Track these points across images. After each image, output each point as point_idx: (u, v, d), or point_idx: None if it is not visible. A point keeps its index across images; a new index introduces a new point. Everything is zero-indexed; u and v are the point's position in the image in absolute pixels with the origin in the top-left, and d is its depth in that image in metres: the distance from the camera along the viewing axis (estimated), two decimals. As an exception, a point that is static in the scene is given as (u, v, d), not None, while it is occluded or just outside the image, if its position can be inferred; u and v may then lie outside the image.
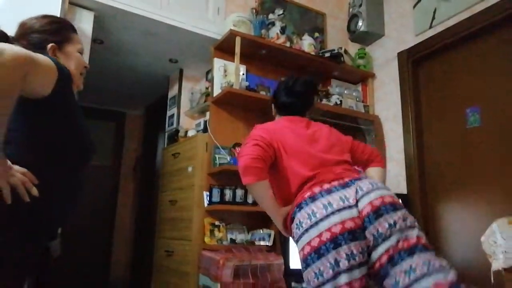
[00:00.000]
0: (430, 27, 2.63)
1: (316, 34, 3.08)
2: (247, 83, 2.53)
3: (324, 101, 2.80)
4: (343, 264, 1.11)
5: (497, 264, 1.35)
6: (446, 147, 2.50)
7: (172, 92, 3.55)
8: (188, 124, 3.18)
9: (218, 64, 2.61)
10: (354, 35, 3.12)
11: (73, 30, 1.30)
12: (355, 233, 1.15)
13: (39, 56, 0.96)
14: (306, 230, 1.21)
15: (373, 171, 1.62)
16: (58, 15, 1.99)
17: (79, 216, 3.85)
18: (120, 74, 3.62)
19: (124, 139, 4.78)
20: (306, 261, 1.19)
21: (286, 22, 2.95)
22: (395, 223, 1.16)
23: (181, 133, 3.02)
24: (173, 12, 2.58)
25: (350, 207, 1.20)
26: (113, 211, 4.53)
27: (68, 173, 1.14)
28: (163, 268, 2.70)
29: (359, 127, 2.88)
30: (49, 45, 1.18)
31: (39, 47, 1.15)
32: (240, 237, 2.34)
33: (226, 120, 2.57)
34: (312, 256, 1.16)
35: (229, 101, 2.54)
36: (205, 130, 2.66)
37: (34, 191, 0.97)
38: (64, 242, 2.61)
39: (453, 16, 2.50)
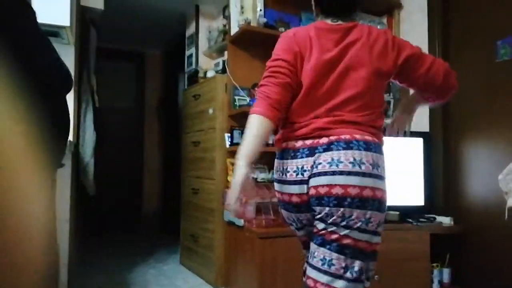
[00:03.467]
0: None
1: (339, -39, 2.85)
2: (265, 20, 2.43)
3: (346, 35, 2.68)
4: (295, 224, 1.26)
5: (512, 201, 1.37)
6: (472, 83, 2.39)
7: (190, 30, 3.46)
8: (207, 64, 3.15)
9: (235, -1, 2.50)
10: (381, -40, 2.86)
11: None
12: (300, 207, 1.18)
13: None
14: (277, 181, 1.25)
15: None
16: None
17: (110, 156, 4.08)
18: (136, 12, 3.55)
19: (145, 80, 4.81)
20: (279, 202, 1.28)
21: (306, -51, 2.73)
22: (329, 215, 1.09)
23: (201, 74, 3.01)
24: None
25: (301, 181, 1.15)
26: (141, 151, 4.72)
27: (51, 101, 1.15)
28: (191, 204, 2.87)
29: (382, 62, 2.77)
30: None
31: None
32: (261, 176, 2.42)
33: (245, 60, 2.53)
34: (280, 203, 1.27)
35: (247, 40, 2.47)
36: (224, 70, 2.64)
37: None
38: (98, 181, 2.80)
39: None
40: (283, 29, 2.47)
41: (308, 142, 1.15)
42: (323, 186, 1.09)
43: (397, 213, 2.32)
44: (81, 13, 2.40)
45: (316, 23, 1.27)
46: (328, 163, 1.09)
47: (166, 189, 4.58)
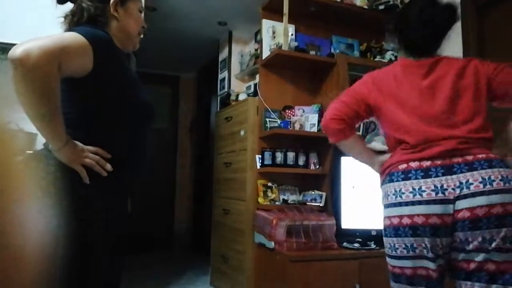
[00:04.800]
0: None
1: (370, -15, 2.88)
2: (296, 43, 2.48)
3: (378, 57, 2.68)
4: (419, 251, 1.10)
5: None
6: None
7: (223, 55, 3.58)
8: (239, 87, 3.23)
9: (267, 25, 2.57)
10: (412, -17, 2.87)
11: None
12: (438, 229, 1.07)
13: (66, 40, 0.98)
14: (389, 205, 1.16)
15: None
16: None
17: (144, 176, 4.20)
18: (173, 39, 3.72)
19: (179, 102, 4.98)
20: (385, 231, 1.19)
21: (337, -26, 2.79)
22: (491, 240, 1.03)
23: (233, 97, 3.09)
24: (219, -25, 2.55)
25: (442, 201, 1.07)
26: (173, 171, 4.84)
27: (132, 138, 1.19)
28: (221, 224, 2.89)
29: (416, 84, 2.73)
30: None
31: (102, 1, 1.16)
32: (292, 197, 2.42)
33: (276, 83, 2.58)
34: (390, 231, 1.16)
35: (278, 63, 2.52)
36: (255, 93, 2.69)
37: (108, 167, 1.05)
38: (132, 200, 2.89)
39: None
40: (313, 52, 2.51)
41: (438, 161, 1.12)
42: (481, 207, 1.04)
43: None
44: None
45: (399, 61, 1.30)
46: (483, 180, 1.06)
47: (197, 210, 4.64)
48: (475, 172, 1.07)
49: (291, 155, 2.44)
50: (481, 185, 1.05)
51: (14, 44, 0.91)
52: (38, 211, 0.80)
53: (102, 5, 1.14)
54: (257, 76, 2.66)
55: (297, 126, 2.44)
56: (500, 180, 1.05)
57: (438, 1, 1.25)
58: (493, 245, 1.04)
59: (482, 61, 1.24)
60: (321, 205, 2.39)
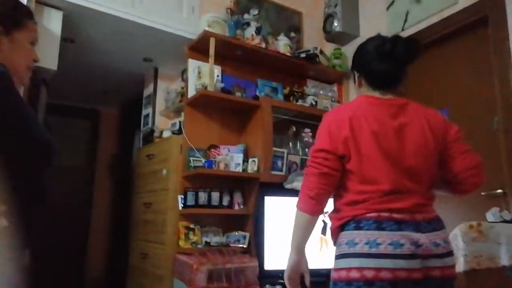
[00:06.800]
0: (403, 29, 2.67)
1: (292, 34, 3.08)
2: (222, 85, 2.51)
3: (300, 101, 2.82)
4: None
5: (458, 267, 1.41)
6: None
7: (147, 91, 3.49)
8: (164, 124, 3.14)
9: (193, 65, 2.58)
10: (330, 35, 3.14)
11: (29, 16, 1.17)
12: (419, 284, 1.06)
13: None
14: (360, 255, 1.08)
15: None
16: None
17: (53, 218, 3.79)
18: (93, 73, 3.54)
19: (98, 138, 4.69)
20: (349, 283, 1.08)
21: (262, 21, 2.94)
22: None
23: (156, 133, 2.99)
24: (145, 11, 2.52)
25: (417, 256, 1.06)
26: (88, 212, 4.44)
27: (30, 179, 1.07)
28: (138, 270, 2.68)
29: (334, 127, 2.91)
30: None
31: None
32: (215, 239, 2.34)
33: (201, 122, 2.56)
34: (360, 284, 1.06)
35: (204, 103, 2.52)
36: (180, 131, 2.64)
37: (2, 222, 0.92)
38: (35, 247, 2.55)
39: (424, 19, 2.54)
40: (239, 93, 2.56)
41: (407, 216, 1.11)
42: (438, 268, 1.09)
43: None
44: (32, 72, 2.35)
45: (363, 97, 1.26)
46: (439, 241, 1.11)
47: (112, 254, 4.27)
48: (433, 234, 1.13)
49: (215, 195, 2.38)
50: (440, 248, 1.12)
51: None
52: None
53: None
54: (183, 114, 2.62)
55: (222, 166, 2.41)
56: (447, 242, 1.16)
57: (398, 35, 1.25)
58: None
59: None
60: (244, 246, 2.34)
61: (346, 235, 1.14)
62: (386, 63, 1.22)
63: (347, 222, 1.15)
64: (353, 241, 1.10)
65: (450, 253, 1.13)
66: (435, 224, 1.15)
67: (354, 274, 1.06)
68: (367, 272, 1.05)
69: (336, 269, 1.13)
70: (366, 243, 1.07)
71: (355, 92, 1.41)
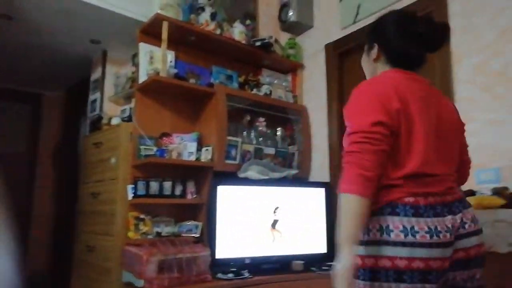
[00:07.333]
0: (354, 22, 2.74)
1: (248, 21, 3.04)
2: (175, 70, 2.44)
3: (255, 90, 2.81)
4: None
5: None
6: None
7: (95, 75, 3.30)
8: (113, 111, 2.99)
9: (144, 49, 2.47)
10: (285, 25, 3.14)
11: None
12: (442, 274, 1.02)
13: None
14: (394, 244, 1.00)
15: None
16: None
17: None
18: (35, 54, 3.28)
19: (41, 124, 4.38)
20: (377, 272, 1.01)
21: (217, 7, 2.87)
22: (472, 278, 1.08)
23: (105, 120, 2.84)
24: (92, -10, 2.36)
25: (450, 244, 1.02)
26: (29, 202, 4.16)
27: None
28: (84, 263, 2.56)
29: (287, 117, 2.94)
30: None
31: None
32: (166, 229, 2.29)
33: (153, 109, 2.47)
34: (389, 273, 1.00)
35: (156, 89, 2.43)
36: (130, 118, 2.53)
37: None
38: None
39: (375, 13, 2.61)
40: (193, 80, 2.50)
41: (439, 199, 1.05)
42: (474, 247, 1.07)
43: (302, 262, 2.36)
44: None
45: (393, 72, 1.16)
46: (473, 219, 1.08)
47: (56, 247, 4.05)
48: (467, 211, 1.09)
49: (167, 184, 2.32)
50: (473, 224, 1.08)
51: None
52: None
53: None
54: (133, 100, 2.51)
55: (174, 154, 2.35)
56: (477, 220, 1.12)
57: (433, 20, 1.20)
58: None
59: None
60: (196, 235, 2.32)
61: (379, 221, 1.04)
62: (411, 43, 1.16)
63: (381, 207, 1.05)
64: (388, 228, 1.02)
65: (477, 232, 1.09)
66: (464, 202, 1.12)
67: (385, 263, 1.01)
68: (399, 262, 0.99)
69: (364, 256, 1.04)
70: (402, 231, 1.00)
71: (363, 64, 1.33)
